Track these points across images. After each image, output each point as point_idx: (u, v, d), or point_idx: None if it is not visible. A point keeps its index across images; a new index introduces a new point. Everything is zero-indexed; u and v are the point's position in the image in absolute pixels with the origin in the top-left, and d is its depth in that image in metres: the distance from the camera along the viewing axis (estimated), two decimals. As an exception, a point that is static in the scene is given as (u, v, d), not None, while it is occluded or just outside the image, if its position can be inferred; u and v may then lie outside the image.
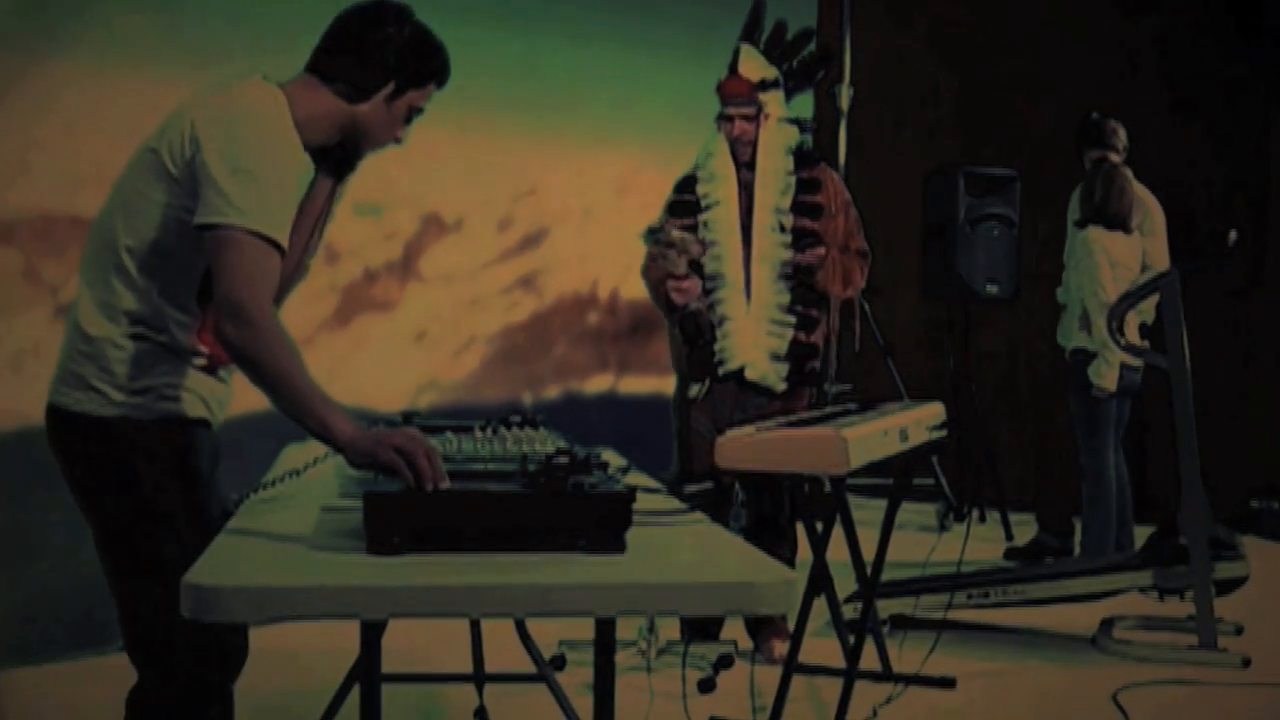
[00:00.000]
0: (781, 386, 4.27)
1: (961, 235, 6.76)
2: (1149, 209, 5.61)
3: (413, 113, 2.49)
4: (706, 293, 4.26)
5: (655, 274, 4.24)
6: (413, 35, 2.43)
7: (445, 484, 2.07)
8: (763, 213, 4.27)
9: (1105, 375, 5.36)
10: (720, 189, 4.30)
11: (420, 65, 2.44)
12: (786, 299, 4.26)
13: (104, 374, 2.34)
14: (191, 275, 2.36)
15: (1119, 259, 5.38)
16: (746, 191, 4.29)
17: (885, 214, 7.72)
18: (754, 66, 4.28)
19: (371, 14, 2.43)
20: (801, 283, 4.28)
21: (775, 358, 4.26)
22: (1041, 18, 7.58)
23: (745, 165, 4.30)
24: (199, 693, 2.43)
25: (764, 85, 4.29)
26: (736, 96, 4.29)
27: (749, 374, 4.25)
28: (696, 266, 4.21)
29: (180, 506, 2.38)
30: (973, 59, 7.87)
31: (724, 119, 4.31)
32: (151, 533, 2.36)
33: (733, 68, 4.30)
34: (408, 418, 2.69)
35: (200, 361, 2.41)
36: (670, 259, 4.10)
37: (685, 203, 4.34)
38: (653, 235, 4.10)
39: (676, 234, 4.09)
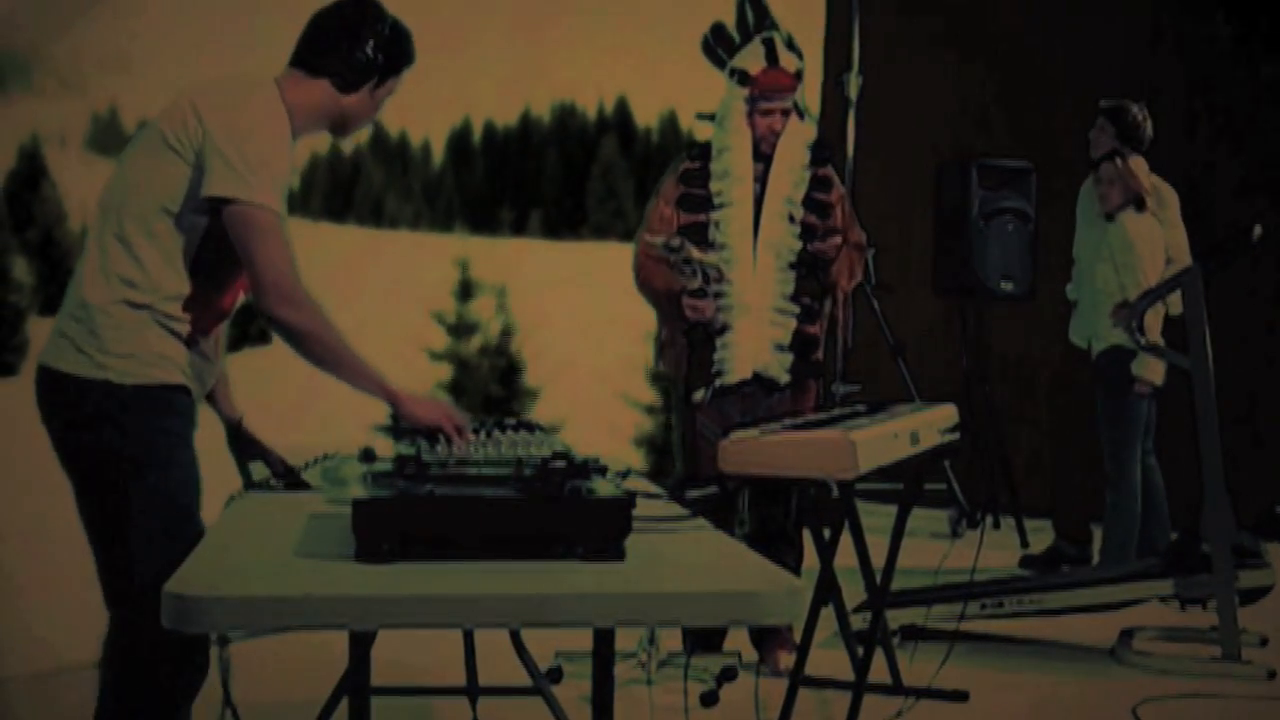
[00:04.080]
0: (785, 378, 4.28)
1: (975, 230, 6.76)
2: (1165, 199, 5.62)
3: (388, 95, 2.84)
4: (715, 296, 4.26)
5: (663, 283, 4.23)
6: (393, 30, 2.77)
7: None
8: (775, 201, 4.26)
9: (1152, 369, 5.35)
10: (735, 189, 4.26)
11: (400, 57, 2.80)
12: (791, 289, 4.27)
13: (92, 338, 2.58)
14: (187, 249, 2.61)
15: (1157, 248, 5.40)
16: (759, 185, 4.28)
17: (895, 208, 7.75)
18: (790, 58, 4.26)
19: (352, 13, 2.76)
20: (807, 274, 4.28)
21: (779, 348, 4.27)
22: (1057, 4, 7.58)
23: (761, 159, 4.29)
24: (177, 638, 2.50)
25: (799, 77, 4.28)
26: (779, 90, 4.23)
27: (753, 364, 4.26)
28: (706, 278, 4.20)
29: (156, 464, 2.59)
30: (985, 47, 7.87)
31: (759, 113, 4.25)
32: (127, 489, 2.56)
33: (771, 59, 4.22)
34: (397, 422, 2.70)
35: (183, 329, 2.64)
36: (687, 276, 4.09)
37: (696, 197, 4.32)
38: (671, 250, 4.06)
39: (697, 254, 4.07)
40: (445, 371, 28.27)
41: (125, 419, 2.58)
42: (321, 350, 2.54)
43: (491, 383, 27.90)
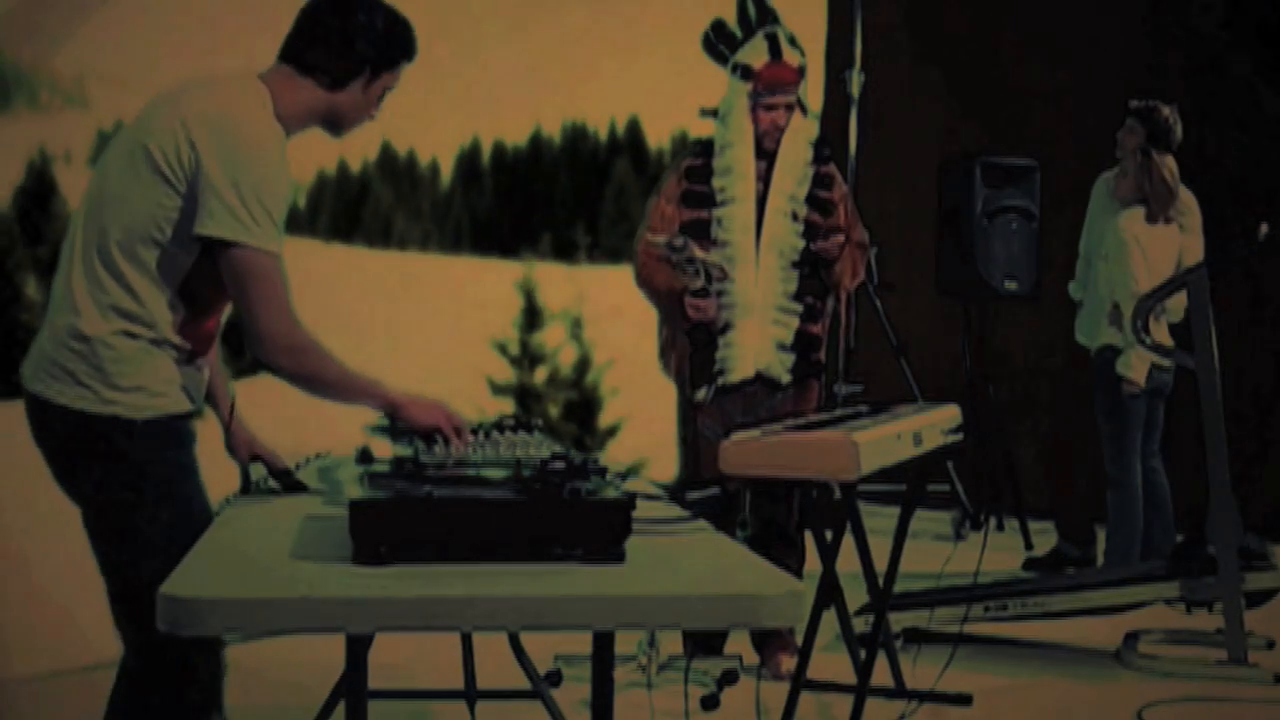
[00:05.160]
0: (787, 378, 4.27)
1: (979, 228, 6.76)
2: (1187, 206, 5.62)
3: (385, 91, 2.70)
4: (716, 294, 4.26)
5: (665, 283, 4.23)
6: (385, 22, 2.64)
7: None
8: (778, 198, 4.26)
9: (1135, 369, 5.36)
10: (738, 185, 4.26)
11: (393, 49, 2.66)
12: (794, 288, 4.27)
13: (95, 372, 2.53)
14: (176, 271, 2.54)
15: (1153, 251, 5.40)
16: (762, 182, 4.28)
17: (898, 206, 7.74)
18: (793, 53, 4.27)
19: (341, 5, 2.62)
20: (809, 273, 4.28)
21: (781, 347, 4.27)
22: (1061, 2, 7.58)
23: (764, 156, 4.29)
24: (186, 666, 2.61)
25: (802, 72, 4.29)
26: (782, 84, 4.23)
27: (756, 364, 4.26)
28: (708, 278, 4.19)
29: (170, 498, 2.57)
30: (991, 43, 7.87)
31: (763, 108, 4.24)
32: (140, 523, 2.55)
33: (775, 53, 4.23)
34: (394, 423, 2.70)
35: (182, 355, 2.60)
36: (690, 275, 4.09)
37: (698, 193, 4.31)
38: (674, 250, 4.05)
39: (701, 254, 4.07)
40: (508, 406, 26.41)
41: (138, 454, 2.56)
42: (322, 388, 2.55)
43: (561, 418, 26.18)
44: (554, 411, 26.29)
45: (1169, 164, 5.47)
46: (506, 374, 27.30)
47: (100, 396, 2.53)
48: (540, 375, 27.22)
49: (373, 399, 2.60)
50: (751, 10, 4.31)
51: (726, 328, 4.25)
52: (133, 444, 2.55)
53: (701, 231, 4.25)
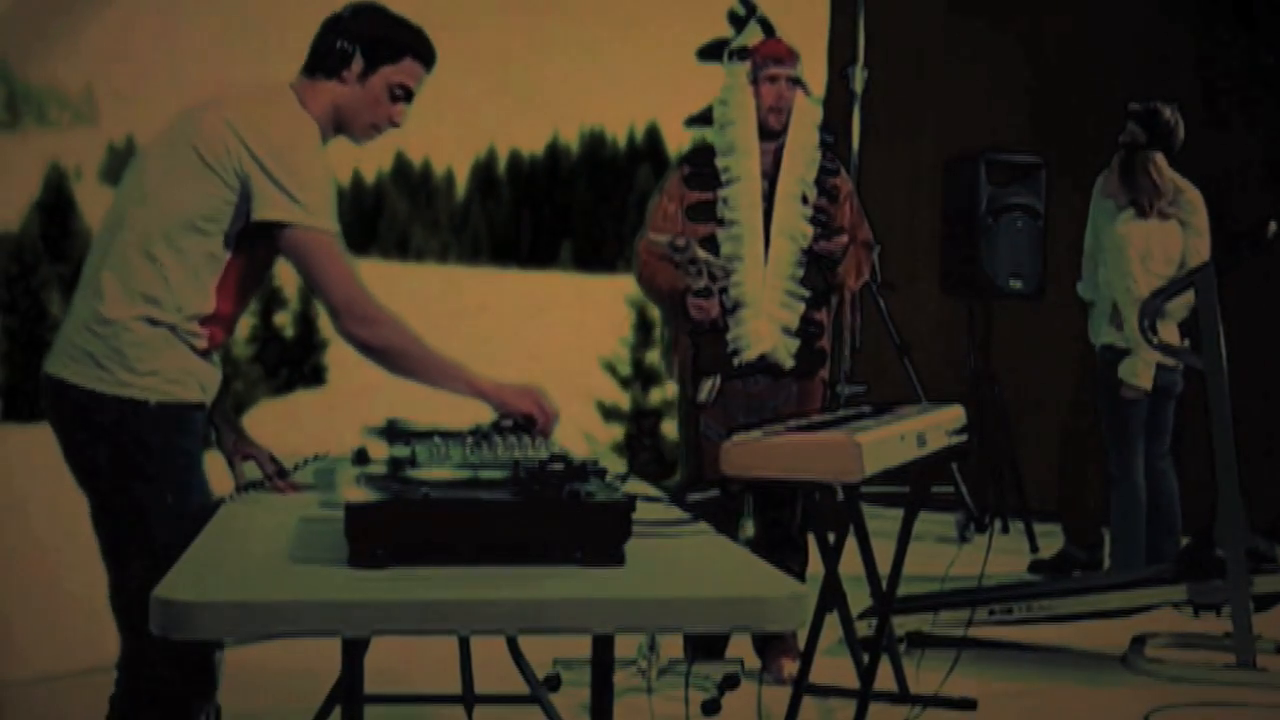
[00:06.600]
0: (790, 363, 4.27)
1: (983, 227, 6.76)
2: (1192, 205, 5.62)
3: (397, 90, 2.75)
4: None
5: (667, 282, 4.23)
6: (371, 14, 2.74)
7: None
8: (789, 180, 4.27)
9: (1140, 373, 5.37)
10: (741, 163, 4.27)
11: (381, 36, 2.72)
12: (801, 274, 4.28)
13: (114, 354, 2.61)
14: (212, 264, 2.64)
15: (1150, 251, 5.40)
16: (770, 165, 4.29)
17: (902, 204, 7.75)
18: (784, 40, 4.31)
19: (342, 10, 2.75)
20: (815, 267, 4.30)
21: (786, 331, 4.27)
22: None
23: (769, 136, 4.29)
24: (181, 661, 2.63)
25: (797, 54, 4.32)
26: (781, 57, 4.29)
27: (761, 346, 4.25)
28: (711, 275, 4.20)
29: (175, 485, 2.65)
30: (994, 39, 7.87)
31: (766, 80, 4.27)
32: (146, 507, 2.61)
33: (769, 31, 4.29)
34: (391, 424, 2.70)
35: (200, 344, 2.68)
36: (692, 276, 4.09)
37: (703, 175, 4.32)
38: (677, 250, 4.05)
39: (703, 254, 4.07)
40: (618, 431, 25.24)
41: (148, 436, 2.63)
42: (405, 363, 2.59)
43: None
44: (671, 431, 24.99)
45: (1157, 160, 5.48)
46: (611, 393, 25.91)
47: (116, 378, 2.61)
48: (655, 396, 25.96)
49: (461, 384, 2.62)
50: (741, 11, 4.37)
51: (736, 307, 4.24)
52: (143, 426, 2.62)
53: (708, 214, 4.26)
